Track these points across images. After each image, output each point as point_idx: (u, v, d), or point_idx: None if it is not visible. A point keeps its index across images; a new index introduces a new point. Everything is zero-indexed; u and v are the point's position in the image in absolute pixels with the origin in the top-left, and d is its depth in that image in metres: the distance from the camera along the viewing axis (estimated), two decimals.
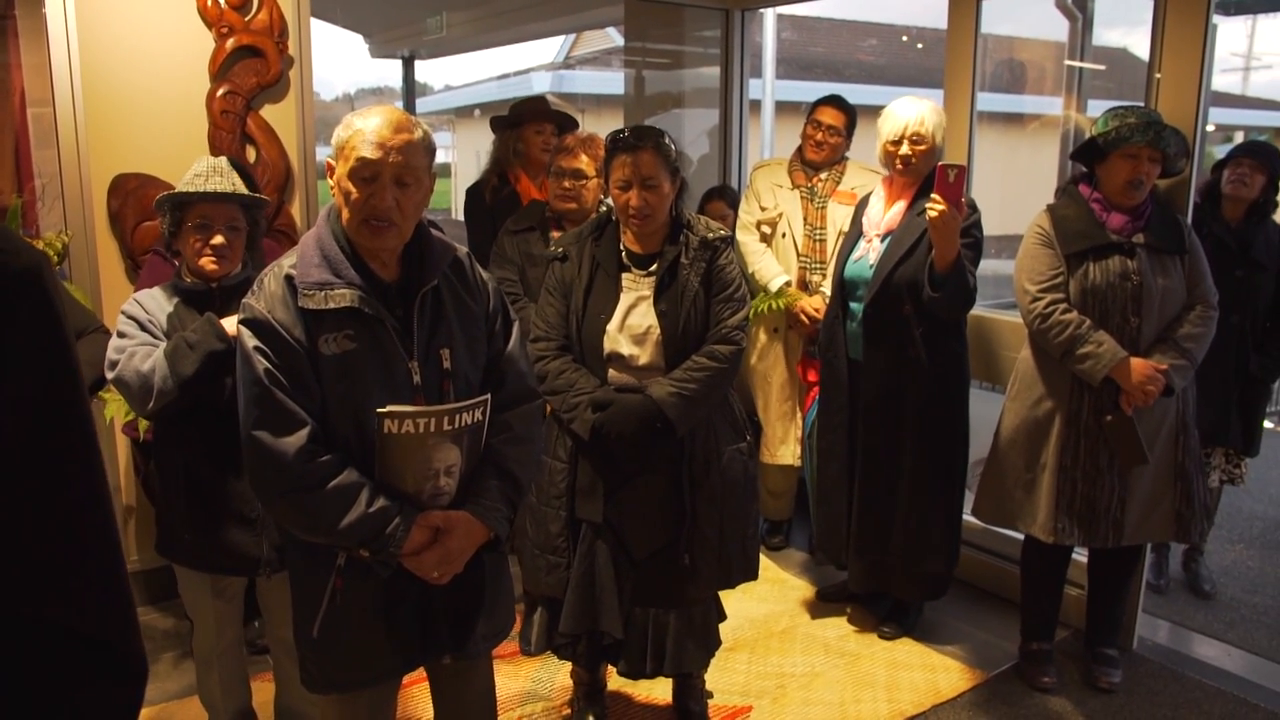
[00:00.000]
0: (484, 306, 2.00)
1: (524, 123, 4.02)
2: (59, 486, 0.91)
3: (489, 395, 1.93)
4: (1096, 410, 2.94)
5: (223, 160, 2.37)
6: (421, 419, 1.80)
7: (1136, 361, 2.86)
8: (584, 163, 3.19)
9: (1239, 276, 3.58)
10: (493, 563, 2.03)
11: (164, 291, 2.37)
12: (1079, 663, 3.30)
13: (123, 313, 2.31)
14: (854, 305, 3.29)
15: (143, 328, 2.28)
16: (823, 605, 3.74)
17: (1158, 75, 3.18)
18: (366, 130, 1.80)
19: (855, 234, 3.37)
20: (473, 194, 4.15)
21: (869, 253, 3.26)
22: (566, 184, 3.21)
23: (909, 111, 3.15)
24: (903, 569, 3.36)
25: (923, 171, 3.16)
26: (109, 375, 2.24)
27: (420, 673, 2.14)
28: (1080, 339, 2.87)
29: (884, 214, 3.27)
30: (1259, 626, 3.72)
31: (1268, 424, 3.93)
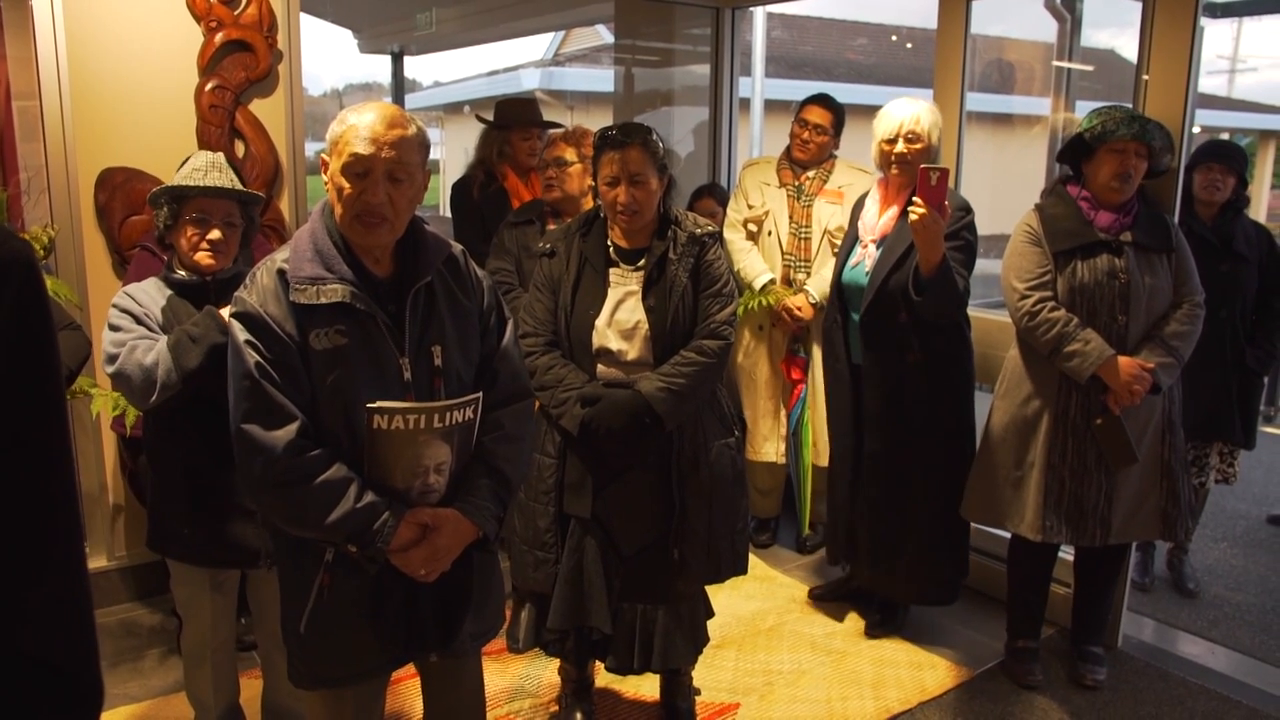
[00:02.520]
0: (478, 303, 2.00)
1: (511, 128, 4.02)
2: (29, 495, 0.88)
3: (480, 393, 1.92)
4: (1085, 409, 2.96)
5: (221, 156, 2.38)
6: (411, 415, 1.80)
7: (1124, 360, 2.87)
8: (564, 150, 3.28)
9: (1224, 271, 3.61)
10: (482, 561, 2.02)
11: (156, 285, 2.36)
12: (1064, 660, 3.32)
13: (115, 306, 2.30)
14: (852, 313, 3.29)
15: (138, 321, 2.27)
16: (810, 603, 3.75)
17: (1145, 77, 3.20)
18: (360, 126, 1.80)
19: (852, 238, 3.36)
20: (459, 189, 4.15)
21: (865, 259, 3.25)
22: (550, 173, 3.31)
23: (904, 110, 3.15)
24: (915, 576, 3.35)
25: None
26: (107, 370, 2.23)
27: (410, 669, 2.14)
28: (1068, 337, 2.88)
29: (878, 218, 3.26)
30: (1242, 624, 3.75)
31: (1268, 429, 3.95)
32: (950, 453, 3.27)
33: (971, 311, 3.80)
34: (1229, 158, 3.73)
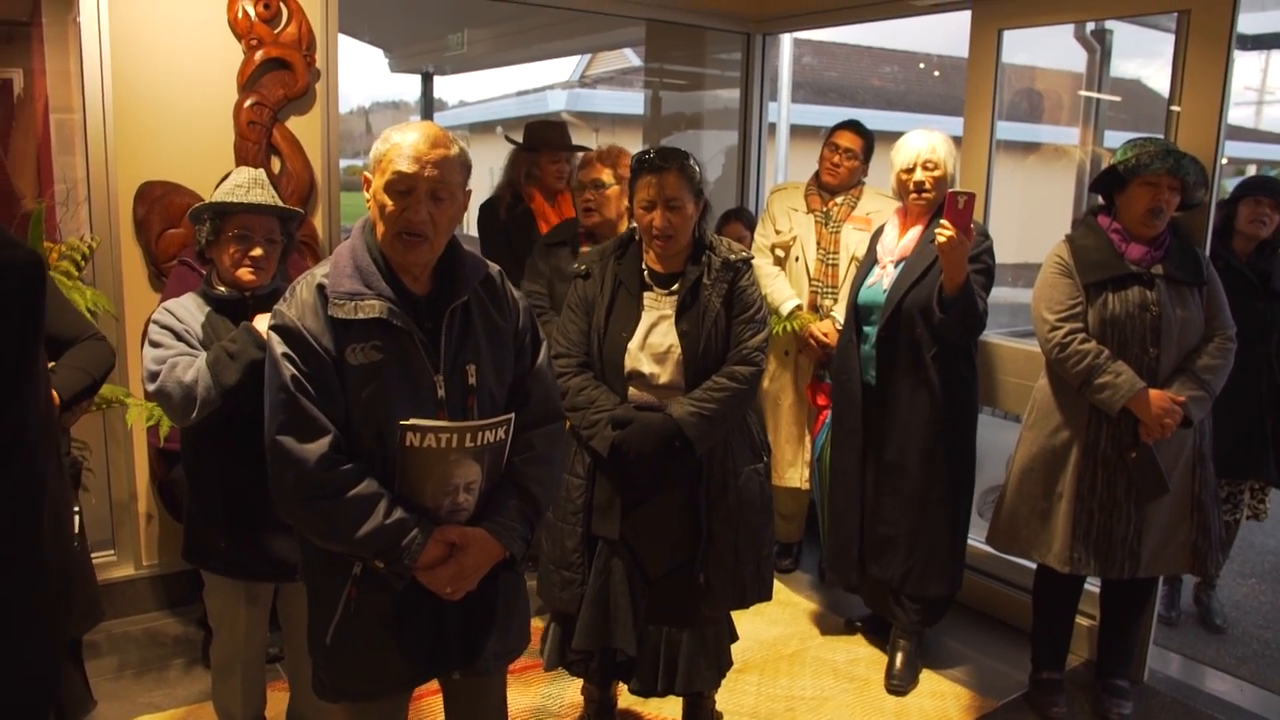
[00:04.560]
0: (513, 324, 2.02)
1: (540, 150, 4.06)
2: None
3: (513, 414, 1.93)
4: (1115, 441, 2.94)
5: (262, 172, 2.40)
6: (444, 434, 1.81)
7: (1155, 393, 2.86)
8: (601, 172, 3.24)
9: (1260, 308, 3.58)
10: (508, 581, 2.03)
11: (195, 300, 2.39)
12: (1089, 693, 3.29)
13: (155, 322, 2.33)
14: (867, 329, 3.31)
15: (179, 337, 2.30)
16: (832, 629, 3.74)
17: (1176, 108, 3.20)
18: (404, 145, 1.82)
19: (870, 261, 3.41)
20: (487, 209, 4.19)
21: (883, 278, 3.29)
22: (588, 195, 3.27)
23: (922, 141, 3.22)
24: (903, 589, 3.34)
25: (936, 199, 3.21)
26: (148, 387, 2.26)
27: (433, 685, 2.14)
28: (1098, 369, 2.88)
29: (898, 241, 3.32)
30: (1271, 662, 3.71)
31: None
32: (952, 471, 3.27)
33: (998, 340, 3.81)
34: (1276, 192, 3.71)
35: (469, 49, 7.62)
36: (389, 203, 1.83)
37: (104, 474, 3.53)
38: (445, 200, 1.85)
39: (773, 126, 5.29)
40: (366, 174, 1.89)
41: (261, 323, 2.25)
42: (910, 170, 3.22)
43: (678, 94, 5.67)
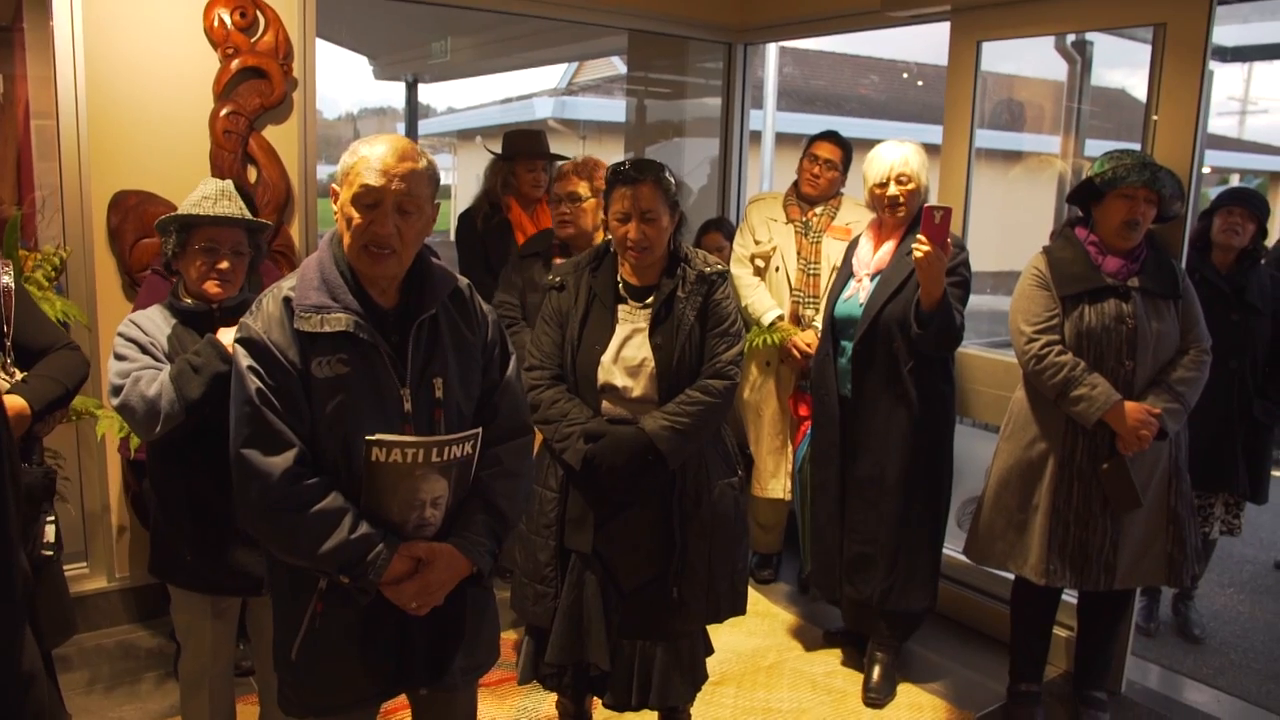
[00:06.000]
0: (482, 337, 2.01)
1: (516, 159, 4.04)
2: None
3: (480, 429, 1.92)
4: (1090, 453, 2.94)
5: (229, 183, 2.38)
6: (410, 449, 1.80)
7: (1130, 405, 2.86)
8: (578, 185, 3.23)
9: (1235, 321, 3.59)
10: (475, 596, 2.02)
11: (161, 312, 2.37)
12: (1067, 705, 3.29)
13: (120, 335, 2.30)
14: (844, 343, 3.31)
15: (144, 350, 2.27)
16: (810, 641, 3.73)
17: (1155, 118, 3.21)
18: (371, 157, 1.81)
19: (845, 274, 3.40)
20: (465, 219, 4.18)
21: (859, 292, 3.29)
22: (564, 209, 3.25)
23: (894, 154, 3.20)
24: (884, 605, 3.33)
25: (911, 212, 3.21)
26: (112, 401, 2.23)
27: (402, 699, 2.13)
28: (1074, 381, 2.88)
29: (873, 254, 3.31)
30: (1249, 672, 3.71)
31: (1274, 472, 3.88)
32: (929, 484, 3.27)
33: (975, 350, 3.81)
34: (1250, 203, 3.72)
35: (453, 56, 7.60)
36: (355, 216, 1.82)
37: (77, 485, 3.50)
38: (412, 214, 1.84)
39: (757, 134, 5.29)
40: (334, 186, 1.88)
41: (226, 335, 2.23)
42: (884, 185, 3.21)
43: (661, 103, 5.67)
